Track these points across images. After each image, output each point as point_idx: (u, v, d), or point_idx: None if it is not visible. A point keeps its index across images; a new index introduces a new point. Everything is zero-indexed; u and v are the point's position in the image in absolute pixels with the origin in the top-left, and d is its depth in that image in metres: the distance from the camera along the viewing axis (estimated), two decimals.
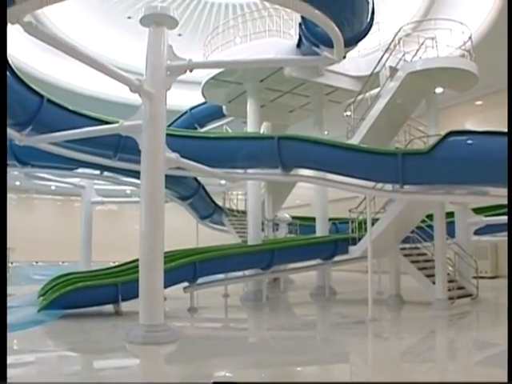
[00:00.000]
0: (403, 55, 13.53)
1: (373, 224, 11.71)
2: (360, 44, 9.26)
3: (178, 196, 17.18)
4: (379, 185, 11.25)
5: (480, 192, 10.59)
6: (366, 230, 11.89)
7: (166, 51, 8.73)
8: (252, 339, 10.22)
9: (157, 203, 8.40)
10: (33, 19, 6.70)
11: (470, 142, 10.35)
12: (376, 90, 13.81)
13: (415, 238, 13.34)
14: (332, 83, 15.05)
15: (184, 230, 20.59)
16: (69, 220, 35.28)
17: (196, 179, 16.75)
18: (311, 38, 9.13)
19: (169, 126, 14.68)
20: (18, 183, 31.60)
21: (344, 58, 8.77)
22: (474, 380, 6.01)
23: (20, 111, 9.97)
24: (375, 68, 13.91)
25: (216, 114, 19.38)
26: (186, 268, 12.13)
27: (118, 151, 11.48)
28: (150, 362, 7.39)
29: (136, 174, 10.04)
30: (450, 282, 12.66)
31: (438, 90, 14.28)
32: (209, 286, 13.42)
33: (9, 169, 13.72)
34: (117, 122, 9.39)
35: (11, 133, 10.12)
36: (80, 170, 15.00)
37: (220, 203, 19.64)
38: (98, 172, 14.62)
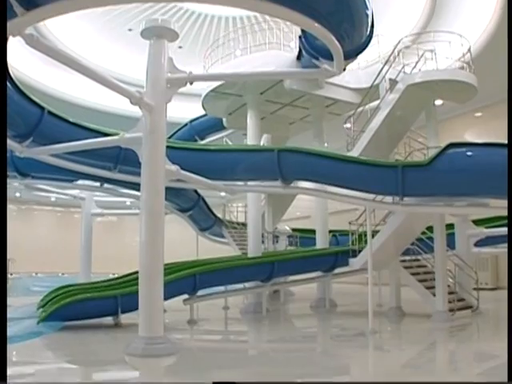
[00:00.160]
0: (403, 67, 13.57)
1: (373, 236, 11.70)
2: (360, 56, 9.29)
3: (178, 208, 17.19)
4: (379, 197, 11.25)
5: (480, 204, 10.60)
6: (366, 242, 11.87)
7: (166, 64, 8.76)
8: (252, 352, 10.18)
9: (157, 215, 8.40)
10: (34, 31, 6.72)
11: (469, 153, 10.37)
12: (376, 102, 13.84)
13: (415, 249, 13.32)
14: (332, 95, 15.09)
15: (184, 242, 20.60)
16: (69, 231, 35.31)
17: (196, 191, 16.77)
18: (311, 50, 9.16)
19: (169, 138, 14.71)
20: (18, 194, 31.72)
21: (344, 70, 8.80)
22: None
23: (21, 123, 9.99)
24: (375, 80, 13.94)
25: (216, 126, 19.42)
26: (186, 280, 12.10)
27: (118, 163, 11.49)
28: (149, 374, 7.36)
29: (136, 186, 10.05)
30: (451, 293, 12.63)
31: (438, 101, 14.32)
32: (209, 298, 13.39)
33: (9, 180, 13.75)
34: (117, 134, 9.42)
35: (12, 144, 10.13)
36: (80, 182, 15.02)
37: (220, 215, 19.64)
38: (98, 184, 14.62)
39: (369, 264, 10.94)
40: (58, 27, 18.94)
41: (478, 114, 22.59)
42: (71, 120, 10.96)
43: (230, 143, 19.83)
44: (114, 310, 10.94)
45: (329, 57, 8.18)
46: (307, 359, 8.49)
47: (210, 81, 15.00)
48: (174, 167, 9.32)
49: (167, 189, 8.78)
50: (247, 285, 14.54)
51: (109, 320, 11.19)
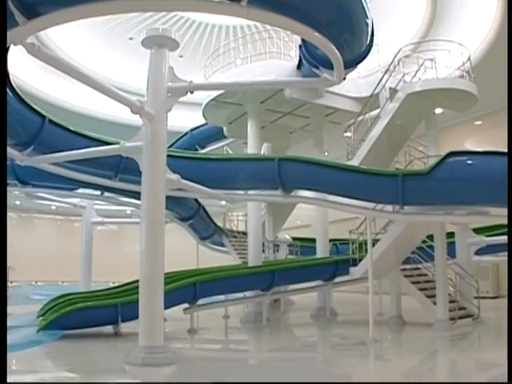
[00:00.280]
0: (403, 76, 13.62)
1: (373, 245, 11.69)
2: (360, 65, 9.31)
3: (179, 217, 17.19)
4: (379, 206, 11.26)
5: (480, 212, 10.60)
6: (366, 250, 11.87)
7: (167, 73, 8.78)
8: (252, 361, 10.14)
9: (157, 224, 8.39)
10: (35, 40, 6.74)
11: (469, 162, 10.39)
12: (376, 111, 13.87)
13: (416, 258, 13.31)
14: (332, 104, 15.13)
15: (184, 250, 20.58)
16: (69, 240, 35.27)
17: (196, 200, 16.78)
18: (311, 59, 9.17)
19: (169, 146, 14.72)
20: (18, 202, 31.68)
21: (344, 79, 8.81)
22: None
23: (22, 131, 10.00)
24: (375, 89, 13.99)
25: (217, 135, 19.45)
26: (186, 289, 12.08)
27: (118, 172, 11.50)
28: None
29: (137, 195, 10.05)
30: (451, 302, 12.60)
31: (438, 110, 14.34)
32: (209, 307, 13.37)
33: (10, 188, 13.76)
34: (118, 143, 9.42)
35: (13, 152, 10.14)
36: (80, 191, 15.02)
37: (220, 224, 19.64)
38: (98, 192, 14.63)
39: (369, 273, 10.92)
40: (59, 36, 19.02)
41: (478, 123, 22.63)
42: (72, 129, 10.97)
43: (231, 152, 19.85)
44: (114, 318, 10.91)
45: (329, 66, 8.20)
46: (308, 368, 8.46)
47: (210, 90, 15.04)
48: (175, 176, 9.33)
49: (168, 198, 8.77)
50: (247, 294, 14.53)
51: (109, 329, 11.16)
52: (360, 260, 13.04)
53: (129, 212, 26.99)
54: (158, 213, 8.46)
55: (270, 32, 16.15)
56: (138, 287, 8.45)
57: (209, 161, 12.81)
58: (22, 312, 14.99)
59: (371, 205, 11.25)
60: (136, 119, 9.01)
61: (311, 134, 17.06)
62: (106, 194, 14.59)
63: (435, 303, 12.22)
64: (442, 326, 11.90)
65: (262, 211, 17.28)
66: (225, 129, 17.87)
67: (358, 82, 15.50)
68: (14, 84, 9.19)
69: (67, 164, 11.07)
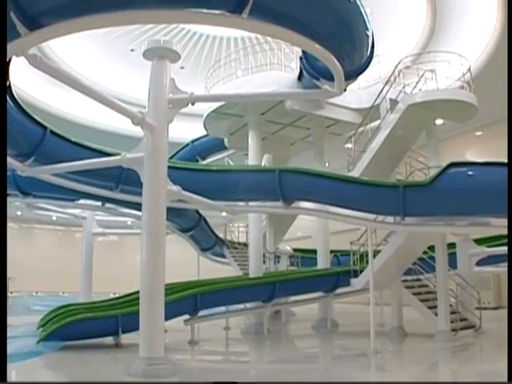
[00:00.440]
0: (403, 87, 13.65)
1: (374, 256, 11.68)
2: (360, 77, 9.34)
3: (179, 228, 17.18)
4: (380, 217, 11.25)
5: (481, 223, 10.61)
6: (367, 262, 11.86)
7: (168, 84, 8.81)
8: (253, 372, 10.11)
9: (158, 235, 8.39)
10: (37, 51, 6.77)
11: (470, 173, 10.41)
12: (377, 122, 13.90)
13: (417, 269, 13.29)
14: (333, 116, 15.16)
15: (185, 262, 20.55)
16: (69, 250, 35.21)
17: (197, 211, 16.77)
18: (312, 71, 9.20)
19: (170, 158, 14.73)
20: (19, 213, 31.66)
21: (345, 90, 8.83)
22: None
23: (23, 142, 10.01)
24: (376, 100, 14.02)
25: (217, 146, 19.48)
26: (187, 300, 12.06)
27: (119, 183, 11.51)
28: None
29: (138, 206, 10.05)
30: (453, 313, 12.56)
31: (438, 121, 14.37)
32: (210, 318, 13.34)
33: (10, 199, 13.79)
34: (119, 154, 9.44)
35: (14, 163, 10.15)
36: (81, 201, 15.03)
37: (221, 235, 19.62)
38: (99, 203, 14.65)
39: (370, 284, 10.90)
40: (61, 47, 19.09)
41: (479, 133, 22.64)
42: (73, 140, 10.99)
43: (232, 163, 19.86)
44: (114, 329, 10.89)
45: (330, 77, 8.23)
46: (309, 380, 8.43)
47: (211, 101, 15.08)
48: (176, 187, 9.34)
49: (168, 209, 8.78)
50: (248, 305, 14.49)
51: (109, 340, 11.13)
52: (361, 271, 13.02)
53: (129, 223, 27.00)
54: (159, 224, 8.46)
55: (271, 43, 16.20)
56: (138, 298, 8.44)
57: (210, 172, 12.83)
58: (22, 323, 14.95)
59: (372, 216, 11.25)
60: (137, 130, 9.03)
61: (312, 146, 17.08)
62: (107, 204, 14.61)
63: (436, 314, 12.20)
64: (444, 337, 11.87)
65: (263, 222, 17.27)
66: (226, 140, 17.89)
67: (359, 93, 15.53)
68: (15, 95, 9.21)
69: (68, 175, 11.09)
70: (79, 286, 21.06)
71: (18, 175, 11.17)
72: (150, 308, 8.18)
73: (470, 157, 22.54)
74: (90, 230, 21.54)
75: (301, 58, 9.84)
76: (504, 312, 18.94)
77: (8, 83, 8.36)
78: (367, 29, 7.37)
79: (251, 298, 14.11)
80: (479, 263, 14.49)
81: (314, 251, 17.02)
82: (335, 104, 14.90)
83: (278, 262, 19.16)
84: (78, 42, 19.08)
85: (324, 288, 15.03)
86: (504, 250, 13.40)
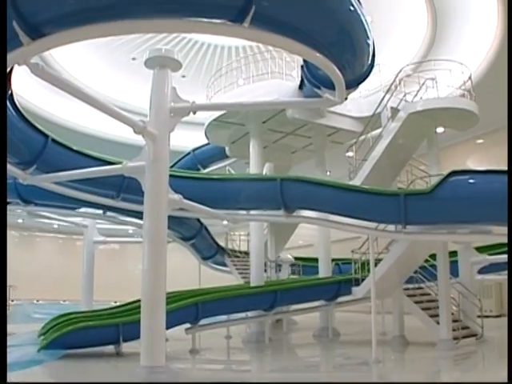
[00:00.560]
0: (404, 96, 13.65)
1: (376, 264, 11.66)
2: (361, 85, 9.36)
3: (181, 236, 17.17)
4: (382, 225, 11.25)
5: (483, 231, 10.60)
6: (369, 270, 11.83)
7: (169, 93, 8.83)
8: (254, 381, 10.07)
9: (159, 244, 8.39)
10: (39, 60, 6.80)
11: (471, 181, 10.41)
12: (378, 131, 13.89)
13: (418, 277, 13.25)
14: (334, 124, 15.19)
15: (186, 270, 20.54)
16: (71, 259, 35.20)
17: (198, 220, 16.76)
18: (313, 80, 9.22)
19: (172, 166, 14.74)
20: (20, 221, 31.64)
21: (346, 99, 8.85)
22: None
23: (25, 150, 10.03)
24: (377, 109, 14.02)
25: (219, 155, 19.50)
26: (188, 309, 12.04)
27: (121, 192, 11.51)
28: None
29: (139, 215, 10.05)
30: (455, 321, 12.52)
31: (439, 129, 14.37)
32: (211, 327, 13.31)
33: (12, 207, 13.80)
34: (120, 163, 9.45)
35: (15, 171, 10.16)
36: (83, 210, 15.04)
37: (222, 244, 19.60)
38: (100, 212, 14.65)
39: (372, 293, 10.88)
40: (62, 55, 19.15)
41: (480, 141, 22.64)
42: (75, 148, 11.00)
43: (233, 172, 19.88)
44: (115, 338, 10.87)
45: (331, 86, 8.24)
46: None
47: (212, 110, 15.09)
48: (177, 196, 9.33)
49: (170, 217, 8.78)
50: (250, 314, 14.47)
51: (110, 349, 11.11)
52: (362, 280, 12.99)
53: (131, 231, 27.00)
54: (160, 232, 8.47)
55: (272, 52, 16.25)
56: (139, 307, 8.44)
57: (211, 181, 12.82)
58: (23, 331, 14.91)
59: (373, 224, 11.24)
60: (139, 139, 9.05)
61: (313, 154, 17.10)
62: (108, 213, 14.61)
63: (438, 323, 12.15)
64: (446, 345, 11.82)
65: (264, 231, 17.26)
66: (227, 149, 17.91)
67: (360, 101, 15.56)
68: (17, 103, 9.23)
69: (70, 183, 11.09)
70: (80, 294, 21.04)
71: (20, 183, 11.16)
72: (151, 316, 8.17)
73: (472, 165, 22.53)
74: (91, 238, 21.54)
75: (302, 67, 9.88)
76: (506, 320, 18.89)
77: (10, 92, 8.38)
78: (368, 38, 7.40)
79: (252, 307, 14.08)
80: (481, 271, 14.46)
81: (316, 260, 17.00)
82: (336, 112, 14.93)
83: (280, 270, 19.12)
84: (80, 51, 19.15)
85: (325, 297, 15.01)
86: (506, 257, 13.37)
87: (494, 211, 9.57)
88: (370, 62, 8.06)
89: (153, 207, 8.45)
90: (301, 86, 12.54)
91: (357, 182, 13.15)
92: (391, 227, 11.12)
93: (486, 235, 10.79)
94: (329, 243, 16.52)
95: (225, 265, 19.14)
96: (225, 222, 20.04)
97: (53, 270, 36.46)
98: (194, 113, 9.00)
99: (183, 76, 20.42)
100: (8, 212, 12.30)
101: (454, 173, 10.35)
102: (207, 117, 15.66)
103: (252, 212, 12.80)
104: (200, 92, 16.54)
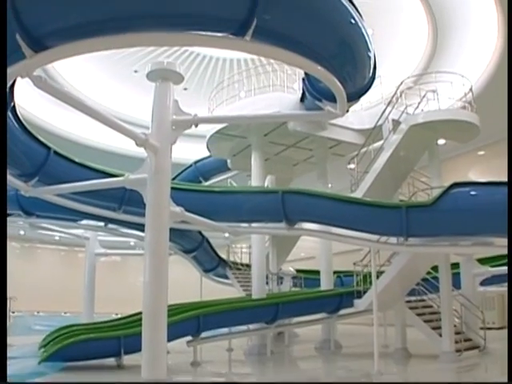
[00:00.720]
0: (405, 108, 13.70)
1: (378, 277, 11.64)
2: (363, 98, 9.38)
3: (182, 249, 17.16)
4: (384, 238, 11.24)
5: (485, 243, 10.59)
6: (370, 282, 11.81)
7: (171, 106, 8.83)
8: None
9: (161, 256, 8.37)
10: (42, 72, 6.82)
11: (473, 193, 10.40)
12: (379, 143, 13.92)
13: (420, 290, 13.24)
14: (335, 137, 15.23)
15: (188, 283, 20.50)
16: (72, 271, 35.15)
17: (200, 232, 16.76)
18: (314, 92, 9.25)
19: (173, 179, 14.76)
20: (22, 232, 31.67)
21: (347, 112, 8.86)
22: None
23: (27, 162, 10.03)
24: (378, 121, 14.05)
25: (220, 167, 19.53)
26: (190, 322, 12.02)
27: (122, 204, 11.50)
28: None
29: (140, 227, 10.04)
30: (457, 333, 12.50)
31: (441, 141, 14.40)
32: (213, 340, 13.28)
33: (14, 218, 13.80)
34: (122, 175, 9.45)
35: (17, 183, 10.15)
36: (84, 222, 15.04)
37: (224, 256, 19.58)
38: (102, 224, 14.65)
39: (374, 305, 10.86)
40: (65, 68, 19.24)
41: (481, 153, 22.67)
42: (77, 160, 11.01)
43: (235, 184, 19.89)
44: (116, 351, 10.85)
45: (332, 99, 8.25)
46: None
47: (214, 123, 15.13)
48: (179, 209, 9.33)
49: (171, 230, 8.76)
50: (251, 326, 14.43)
51: (111, 361, 11.08)
52: (364, 292, 12.97)
53: (132, 243, 26.96)
54: (162, 245, 8.44)
55: (274, 65, 16.31)
56: (141, 319, 8.39)
57: (213, 193, 12.81)
58: (24, 343, 14.88)
59: (375, 237, 11.23)
60: (140, 151, 9.05)
61: (315, 166, 17.12)
62: (110, 225, 14.62)
63: (441, 335, 12.13)
64: (448, 357, 11.79)
65: (266, 243, 17.25)
66: (229, 161, 17.94)
67: (361, 114, 15.62)
68: (19, 115, 9.25)
69: (71, 195, 11.09)
70: (81, 306, 20.98)
71: (22, 195, 11.18)
72: (152, 329, 8.13)
73: (473, 176, 22.55)
74: (92, 250, 21.51)
75: (303, 80, 9.92)
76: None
77: (13, 104, 8.41)
78: (369, 50, 7.41)
79: (254, 320, 14.05)
80: (483, 283, 14.44)
81: (317, 272, 16.96)
82: (338, 125, 14.97)
83: (281, 283, 19.08)
84: (83, 64, 19.25)
85: (327, 309, 14.97)
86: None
87: (495, 223, 9.56)
88: (371, 74, 8.08)
89: (154, 219, 8.43)
90: (302, 99, 12.59)
91: (358, 194, 13.15)
92: (393, 239, 11.11)
93: (488, 247, 10.77)
94: (330, 256, 16.49)
95: (226, 277, 19.11)
96: (226, 235, 20.06)
97: (54, 282, 36.43)
98: (196, 126, 9.01)
99: (185, 88, 20.49)
100: (9, 223, 12.31)
101: (455, 185, 10.36)
102: (209, 129, 15.69)
103: (254, 224, 12.78)
104: (202, 104, 16.61)
